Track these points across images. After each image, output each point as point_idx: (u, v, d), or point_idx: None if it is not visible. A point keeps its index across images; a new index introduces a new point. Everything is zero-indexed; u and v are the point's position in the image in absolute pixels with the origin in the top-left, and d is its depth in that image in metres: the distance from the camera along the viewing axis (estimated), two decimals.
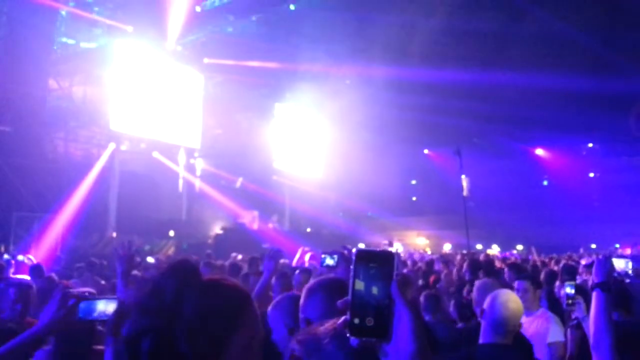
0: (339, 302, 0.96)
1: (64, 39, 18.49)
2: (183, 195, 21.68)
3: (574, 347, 3.65)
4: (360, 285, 0.96)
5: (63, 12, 17.55)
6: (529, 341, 3.37)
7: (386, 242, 22.76)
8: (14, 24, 15.20)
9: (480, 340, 2.75)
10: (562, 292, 3.95)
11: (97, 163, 17.10)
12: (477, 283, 4.06)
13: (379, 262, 0.97)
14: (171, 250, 15.75)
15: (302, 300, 1.95)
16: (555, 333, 3.79)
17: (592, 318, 2.28)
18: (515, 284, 4.19)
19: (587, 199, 26.56)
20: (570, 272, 6.03)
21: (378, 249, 1.00)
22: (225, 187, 22.20)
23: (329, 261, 4.80)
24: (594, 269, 2.32)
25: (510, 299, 2.76)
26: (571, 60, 21.42)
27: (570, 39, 20.84)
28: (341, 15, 21.28)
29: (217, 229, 20.51)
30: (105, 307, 2.39)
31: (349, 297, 0.96)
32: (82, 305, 2.35)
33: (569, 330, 3.70)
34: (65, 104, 17.72)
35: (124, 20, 18.20)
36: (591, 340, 2.28)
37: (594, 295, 2.28)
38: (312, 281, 2.16)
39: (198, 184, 22.02)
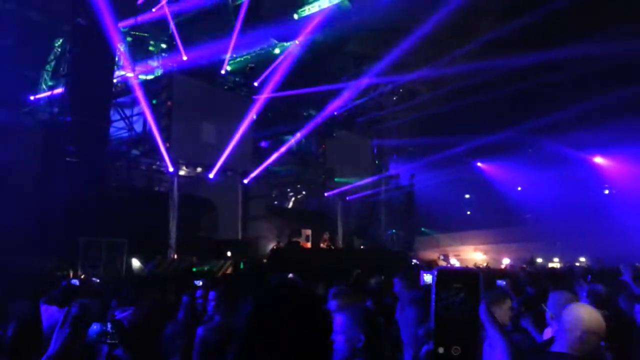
0: (421, 330, 0.88)
1: (123, 72, 19.56)
2: (238, 216, 22.15)
3: None
4: (443, 309, 0.85)
5: (121, 47, 18.57)
6: None
7: (442, 257, 22.51)
8: (76, 60, 16.26)
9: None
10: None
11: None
12: (552, 295, 3.85)
13: (464, 282, 0.86)
14: (229, 270, 16.10)
15: None
16: None
17: None
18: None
19: None
20: None
21: (462, 267, 0.92)
22: (278, 206, 22.56)
23: None
24: None
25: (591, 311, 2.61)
26: (632, 62, 20.63)
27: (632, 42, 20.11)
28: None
29: (271, 248, 20.80)
30: (111, 329, 2.34)
31: (432, 323, 0.85)
32: (94, 327, 2.30)
33: None
34: (126, 134, 18.74)
35: (178, 51, 19.12)
36: None
37: None
38: None
39: (252, 204, 22.49)
